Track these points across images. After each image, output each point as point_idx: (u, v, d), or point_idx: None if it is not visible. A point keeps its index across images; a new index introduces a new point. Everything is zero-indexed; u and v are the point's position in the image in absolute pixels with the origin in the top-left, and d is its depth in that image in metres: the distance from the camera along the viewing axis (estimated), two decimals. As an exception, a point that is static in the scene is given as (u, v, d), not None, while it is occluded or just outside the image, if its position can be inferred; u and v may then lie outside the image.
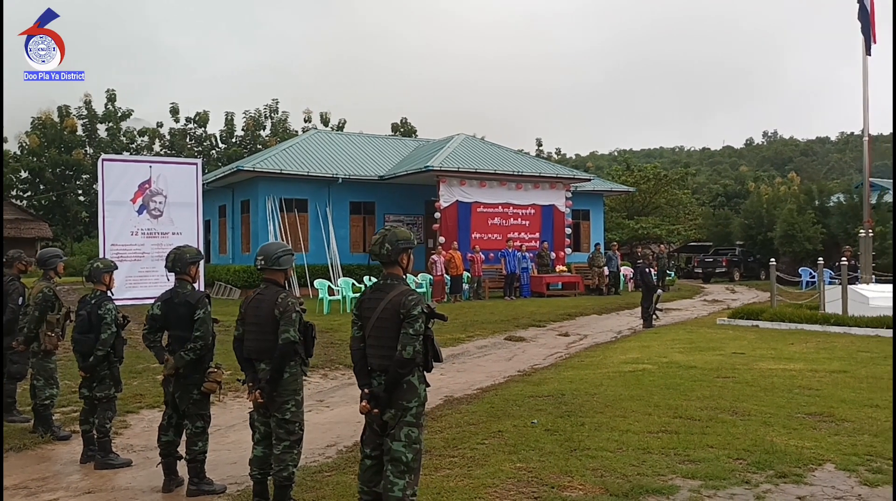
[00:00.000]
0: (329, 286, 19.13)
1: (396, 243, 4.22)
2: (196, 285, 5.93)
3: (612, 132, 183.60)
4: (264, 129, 44.13)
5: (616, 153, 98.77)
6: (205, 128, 43.19)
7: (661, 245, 32.72)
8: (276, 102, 44.76)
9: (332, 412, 8.19)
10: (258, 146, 41.33)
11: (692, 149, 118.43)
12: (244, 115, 43.79)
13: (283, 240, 22.76)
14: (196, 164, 13.07)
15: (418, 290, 20.95)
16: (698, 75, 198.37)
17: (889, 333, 12.88)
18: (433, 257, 21.71)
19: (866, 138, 15.98)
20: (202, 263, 5.86)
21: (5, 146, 40.61)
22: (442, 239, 22.91)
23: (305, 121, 45.71)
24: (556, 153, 62.97)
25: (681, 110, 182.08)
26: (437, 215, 23.47)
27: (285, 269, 5.10)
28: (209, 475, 5.59)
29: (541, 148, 55.20)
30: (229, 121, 43.23)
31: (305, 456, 6.09)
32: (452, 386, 9.42)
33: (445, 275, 21.33)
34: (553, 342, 13.72)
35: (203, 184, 23.81)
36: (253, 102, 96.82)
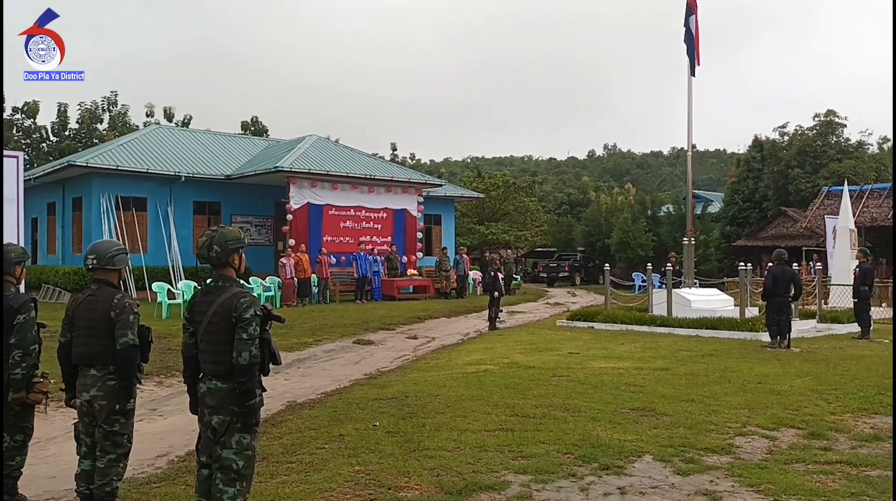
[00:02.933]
0: (169, 290, 18.24)
1: (225, 243, 4.08)
2: (20, 288, 5.42)
3: (466, 140, 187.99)
4: (101, 122, 41.33)
5: (469, 160, 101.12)
6: (34, 119, 39.82)
7: (509, 250, 33.87)
8: (115, 95, 42.04)
9: (166, 421, 7.81)
10: (94, 141, 38.63)
11: (540, 159, 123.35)
12: (79, 107, 40.82)
13: (118, 240, 21.46)
14: (17, 157, 11.98)
15: (266, 294, 20.60)
16: (547, 91, 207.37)
17: (708, 333, 14.03)
18: (282, 259, 21.26)
19: (690, 153, 17.32)
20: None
21: None
22: (292, 241, 22.49)
23: (147, 115, 43.30)
24: (410, 158, 63.47)
25: (531, 122, 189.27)
26: (288, 216, 23.02)
27: (119, 269, 4.79)
28: (24, 490, 5.16)
29: (395, 152, 55.38)
30: (62, 112, 40.08)
31: (133, 467, 5.78)
32: (296, 391, 9.25)
33: (295, 278, 20.95)
34: (401, 345, 13.82)
35: (29, 179, 22.10)
36: (90, 94, 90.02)
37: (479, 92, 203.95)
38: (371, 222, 24.99)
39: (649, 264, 18.80)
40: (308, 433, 6.85)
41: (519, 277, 33.01)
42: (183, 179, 23.66)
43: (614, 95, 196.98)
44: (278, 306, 20.75)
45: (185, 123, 43.81)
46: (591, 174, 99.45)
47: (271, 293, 20.90)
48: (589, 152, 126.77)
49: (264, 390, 4.09)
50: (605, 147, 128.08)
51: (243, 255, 4.19)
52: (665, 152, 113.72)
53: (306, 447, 6.31)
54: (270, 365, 4.06)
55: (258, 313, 3.94)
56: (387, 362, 11.68)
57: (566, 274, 37.93)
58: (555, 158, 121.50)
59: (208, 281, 4.22)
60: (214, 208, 24.98)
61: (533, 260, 44.88)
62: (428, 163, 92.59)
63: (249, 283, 20.67)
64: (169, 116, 43.59)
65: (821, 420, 7.05)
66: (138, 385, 4.83)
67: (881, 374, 9.49)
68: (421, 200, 26.62)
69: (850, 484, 5.18)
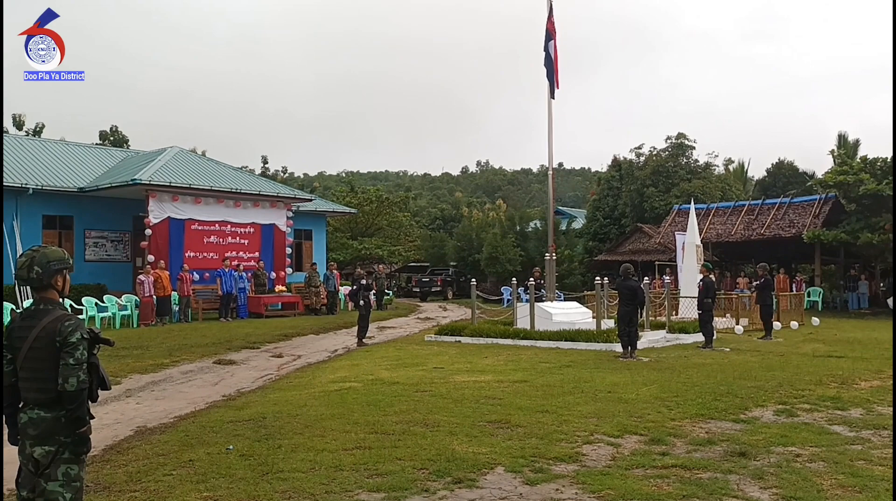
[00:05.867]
0: (13, 310, 16.95)
1: (48, 264, 3.86)
2: None
3: (341, 155, 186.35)
4: (-62, 129, 38.02)
5: (344, 174, 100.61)
6: None
7: (381, 265, 33.89)
8: (-45, 99, 38.83)
9: (-2, 454, 7.24)
10: (-71, 148, 35.45)
11: (415, 174, 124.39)
12: (-89, 111, 37.33)
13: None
14: None
15: (122, 313, 19.56)
16: (421, 108, 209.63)
17: (567, 345, 14.59)
18: (140, 276, 20.27)
19: (550, 172, 18.00)
20: None
21: None
22: (151, 257, 21.49)
23: (-7, 123, 40.24)
24: (282, 172, 62.42)
25: (405, 138, 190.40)
26: (147, 231, 21.99)
27: None
28: None
29: (266, 166, 54.42)
30: None
31: (-46, 507, 5.34)
32: (147, 416, 8.82)
33: (154, 296, 20.01)
34: (265, 365, 13.48)
35: None
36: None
37: (353, 106, 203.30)
38: (237, 238, 24.32)
39: (514, 278, 19.34)
40: (156, 459, 6.56)
41: (391, 292, 33.06)
42: (31, 191, 22.13)
43: (487, 113, 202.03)
44: (135, 325, 19.77)
45: (37, 131, 41.08)
46: (464, 190, 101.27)
47: (127, 312, 19.88)
48: (462, 168, 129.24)
49: (92, 417, 3.89)
50: (479, 164, 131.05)
51: (67, 276, 3.97)
52: (534, 170, 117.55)
53: (153, 474, 6.04)
54: (99, 391, 3.87)
55: (85, 336, 3.75)
56: (248, 382, 11.36)
57: (439, 289, 38.38)
58: (429, 174, 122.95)
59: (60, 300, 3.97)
60: (66, 223, 23.53)
61: (407, 275, 45.12)
62: (301, 177, 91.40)
63: (103, 301, 19.59)
64: (18, 124, 40.74)
65: (661, 427, 7.49)
66: None
67: (718, 381, 10.22)
68: (290, 214, 26.19)
69: (683, 487, 5.53)
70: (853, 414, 8.14)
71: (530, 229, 39.82)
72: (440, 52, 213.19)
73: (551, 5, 16.94)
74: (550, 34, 16.78)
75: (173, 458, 6.55)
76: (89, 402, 3.82)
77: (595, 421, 7.70)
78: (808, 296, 27.07)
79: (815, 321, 20.70)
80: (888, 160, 25.70)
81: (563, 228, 40.09)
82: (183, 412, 9.05)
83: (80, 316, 3.89)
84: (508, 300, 28.69)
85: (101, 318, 19.17)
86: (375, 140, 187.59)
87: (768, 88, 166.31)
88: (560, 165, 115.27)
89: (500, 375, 10.94)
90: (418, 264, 44.29)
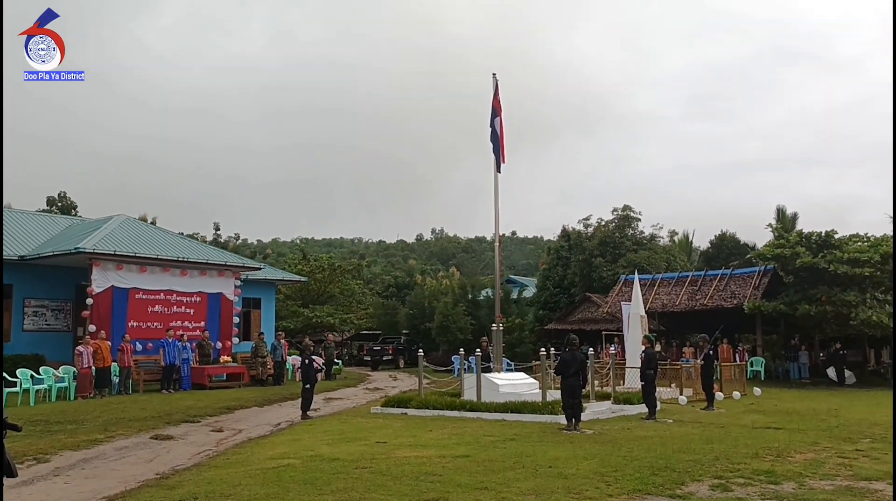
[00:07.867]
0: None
1: None
2: None
3: (296, 222, 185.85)
4: None
5: (298, 241, 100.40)
6: None
7: (330, 334, 33.58)
8: None
9: None
10: None
11: (370, 241, 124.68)
12: None
13: None
14: None
15: (59, 385, 18.93)
16: (376, 176, 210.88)
17: (513, 417, 14.56)
18: (78, 347, 19.72)
19: (497, 243, 18.29)
20: None
21: None
22: (92, 327, 20.98)
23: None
24: (235, 238, 61.85)
25: (360, 205, 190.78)
26: (88, 301, 21.52)
27: None
28: None
29: (218, 232, 53.94)
30: None
31: None
32: (74, 496, 8.50)
33: (93, 367, 19.45)
34: (204, 440, 13.13)
35: None
36: None
37: (309, 174, 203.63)
38: (183, 307, 23.93)
39: (461, 348, 19.36)
40: (76, 545, 6.32)
41: (340, 361, 32.67)
42: (-32, 258, 21.55)
43: (442, 182, 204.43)
44: (72, 398, 19.13)
45: (-21, 196, 40.21)
46: (418, 257, 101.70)
47: (65, 385, 19.26)
48: (417, 236, 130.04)
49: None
50: (433, 231, 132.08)
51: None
52: (488, 238, 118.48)
53: (71, 562, 5.81)
54: (4, 478, 3.78)
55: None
56: (184, 459, 11.03)
57: (390, 357, 38.10)
58: (384, 241, 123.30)
59: None
60: (5, 292, 22.89)
61: (359, 343, 44.71)
62: (255, 243, 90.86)
63: (39, 373, 18.95)
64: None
65: (598, 503, 7.50)
66: None
67: (658, 454, 10.30)
68: (238, 283, 25.95)
69: (613, 566, 5.53)
70: (785, 489, 8.27)
71: (482, 298, 40.03)
72: (396, 122, 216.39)
73: (497, 83, 17.54)
74: (496, 111, 17.32)
75: (95, 544, 6.32)
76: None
77: (533, 498, 7.67)
78: (751, 366, 27.60)
79: (757, 391, 21.07)
80: (822, 235, 26.76)
81: (515, 296, 40.44)
82: (112, 492, 8.74)
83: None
84: (458, 370, 28.63)
85: (37, 390, 18.52)
86: (331, 208, 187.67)
87: (712, 164, 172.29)
88: (513, 233, 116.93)
89: (443, 449, 10.84)
90: (370, 332, 43.98)
